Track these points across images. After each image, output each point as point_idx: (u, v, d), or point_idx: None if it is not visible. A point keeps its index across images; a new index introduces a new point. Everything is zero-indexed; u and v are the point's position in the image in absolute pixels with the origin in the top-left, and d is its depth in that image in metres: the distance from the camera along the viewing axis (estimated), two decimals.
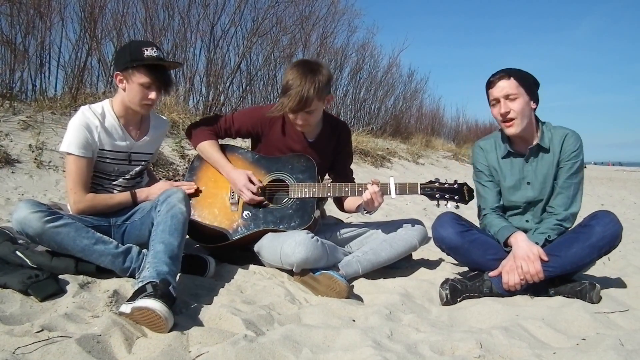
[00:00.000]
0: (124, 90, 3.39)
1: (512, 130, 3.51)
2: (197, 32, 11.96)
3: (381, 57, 19.41)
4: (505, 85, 3.46)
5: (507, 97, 3.46)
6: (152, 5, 11.01)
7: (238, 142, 4.12)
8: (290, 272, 3.58)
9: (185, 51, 11.61)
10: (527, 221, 3.68)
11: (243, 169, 3.80)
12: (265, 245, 3.63)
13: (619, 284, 3.79)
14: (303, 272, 3.48)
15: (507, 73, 3.49)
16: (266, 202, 3.75)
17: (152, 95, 3.38)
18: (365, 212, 3.78)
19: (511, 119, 3.48)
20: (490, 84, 3.54)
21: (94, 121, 3.35)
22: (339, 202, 4.14)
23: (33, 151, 6.38)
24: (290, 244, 3.41)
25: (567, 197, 3.55)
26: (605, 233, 3.34)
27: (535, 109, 3.59)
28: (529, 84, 3.52)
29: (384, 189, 3.64)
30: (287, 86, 3.58)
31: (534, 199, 3.63)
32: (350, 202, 4.02)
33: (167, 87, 3.47)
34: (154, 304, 2.49)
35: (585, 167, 3.84)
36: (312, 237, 3.45)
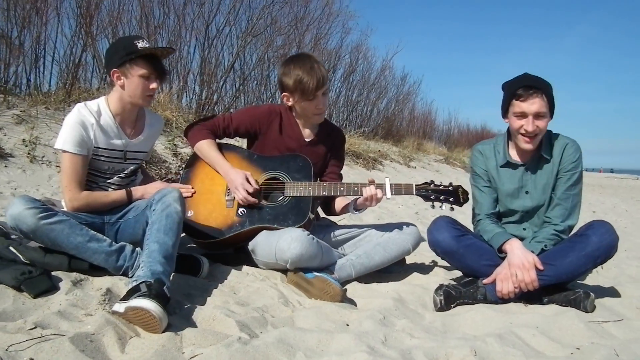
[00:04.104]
0: (122, 86, 3.38)
1: (529, 146, 3.49)
2: (192, 30, 12.00)
3: (374, 60, 19.46)
4: (539, 104, 3.38)
5: (537, 115, 3.40)
6: (147, 3, 11.03)
7: (232, 141, 4.12)
8: (284, 273, 3.58)
9: (180, 49, 11.58)
10: (524, 229, 3.68)
11: (239, 167, 3.80)
12: (260, 242, 3.62)
13: (613, 293, 3.80)
14: (297, 270, 3.47)
15: (541, 90, 3.39)
16: (260, 203, 3.74)
17: (153, 85, 3.41)
18: (355, 211, 3.80)
19: (534, 136, 3.45)
20: (520, 96, 3.41)
21: (89, 119, 3.34)
22: (326, 205, 4.16)
23: (26, 146, 6.37)
24: (286, 239, 3.42)
25: (565, 208, 3.54)
26: (601, 243, 3.33)
27: None
28: (553, 103, 3.47)
29: (379, 189, 3.65)
30: (298, 79, 3.69)
31: (532, 208, 3.63)
32: (339, 202, 4.05)
33: (164, 75, 3.53)
34: (148, 304, 2.47)
35: None
36: (308, 235, 3.45)
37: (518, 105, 3.42)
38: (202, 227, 3.73)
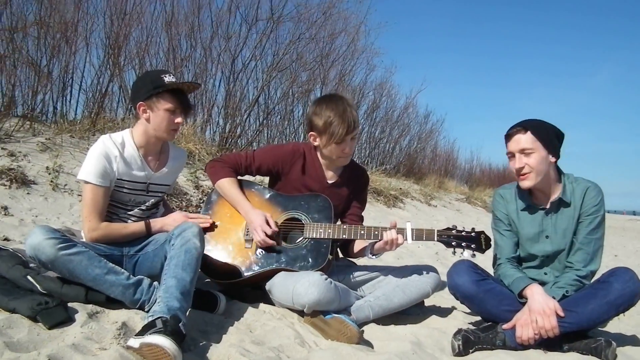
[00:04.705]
0: (148, 120, 3.41)
1: (526, 183, 3.50)
2: (218, 64, 12.07)
3: (398, 97, 19.53)
4: (522, 140, 3.43)
5: (522, 151, 3.44)
6: (175, 35, 11.16)
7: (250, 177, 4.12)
8: (301, 313, 3.52)
9: (205, 82, 11.69)
10: (545, 274, 3.62)
11: (259, 205, 3.78)
12: (277, 284, 3.58)
13: (635, 341, 3.71)
14: (314, 313, 3.42)
15: (524, 126, 3.45)
16: (279, 246, 3.71)
17: (178, 119, 3.44)
18: (371, 255, 3.76)
19: (525, 174, 3.46)
20: (507, 137, 3.52)
21: (113, 151, 3.36)
22: (344, 246, 4.11)
23: (50, 173, 6.40)
24: (303, 284, 3.37)
25: (586, 253, 3.49)
26: (624, 291, 3.27)
27: (555, 162, 3.53)
28: (549, 138, 3.46)
29: (400, 234, 3.60)
30: (328, 122, 3.66)
31: (552, 253, 3.58)
32: (357, 244, 3.99)
33: (189, 110, 3.56)
34: (164, 341, 2.46)
35: None
36: (326, 279, 3.41)
37: (507, 147, 3.52)
38: (219, 266, 3.70)
